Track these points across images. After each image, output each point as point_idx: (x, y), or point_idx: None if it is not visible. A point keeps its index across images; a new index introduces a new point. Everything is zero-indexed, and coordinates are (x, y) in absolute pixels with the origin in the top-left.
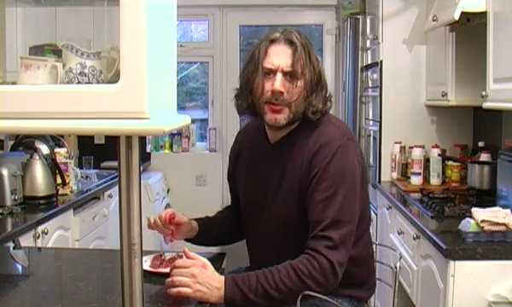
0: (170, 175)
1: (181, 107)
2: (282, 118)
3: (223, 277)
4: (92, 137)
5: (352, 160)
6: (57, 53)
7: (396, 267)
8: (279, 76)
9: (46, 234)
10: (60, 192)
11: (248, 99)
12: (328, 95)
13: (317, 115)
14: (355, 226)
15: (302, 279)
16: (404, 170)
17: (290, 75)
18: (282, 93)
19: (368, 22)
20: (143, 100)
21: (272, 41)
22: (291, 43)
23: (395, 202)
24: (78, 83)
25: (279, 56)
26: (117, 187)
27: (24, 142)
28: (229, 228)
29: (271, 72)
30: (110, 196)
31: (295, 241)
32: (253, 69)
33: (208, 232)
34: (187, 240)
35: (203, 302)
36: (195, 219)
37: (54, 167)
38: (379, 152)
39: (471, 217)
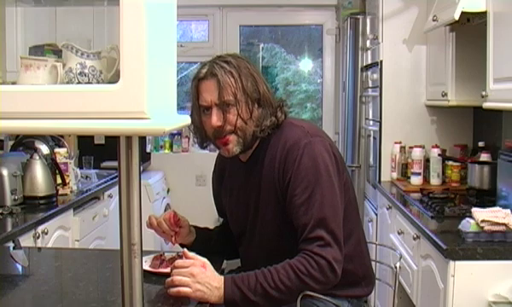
0: (170, 175)
1: (181, 107)
2: (233, 147)
3: (222, 277)
4: (92, 137)
5: (322, 155)
6: (57, 53)
7: (396, 267)
8: (214, 111)
9: (46, 234)
10: (60, 192)
11: (202, 135)
12: (278, 105)
13: (266, 131)
14: (341, 218)
15: (301, 278)
16: (404, 170)
17: (223, 105)
18: (221, 126)
19: (368, 22)
20: (143, 100)
21: (200, 79)
22: (215, 75)
23: (395, 202)
24: (78, 83)
25: (208, 92)
26: (117, 187)
27: (24, 142)
28: (227, 240)
29: (208, 108)
30: (110, 196)
31: (282, 248)
32: (193, 109)
33: (206, 241)
34: (182, 245)
35: (203, 302)
36: (193, 226)
37: (54, 167)
38: (379, 152)
39: (471, 217)
